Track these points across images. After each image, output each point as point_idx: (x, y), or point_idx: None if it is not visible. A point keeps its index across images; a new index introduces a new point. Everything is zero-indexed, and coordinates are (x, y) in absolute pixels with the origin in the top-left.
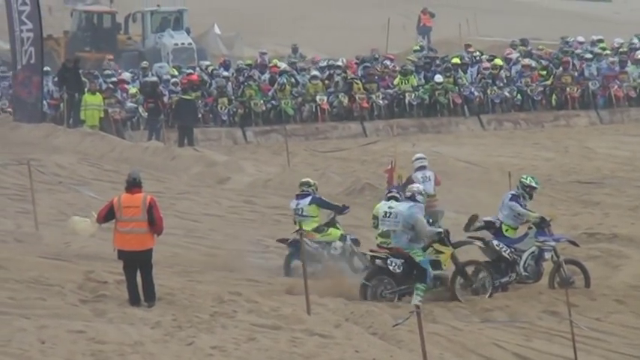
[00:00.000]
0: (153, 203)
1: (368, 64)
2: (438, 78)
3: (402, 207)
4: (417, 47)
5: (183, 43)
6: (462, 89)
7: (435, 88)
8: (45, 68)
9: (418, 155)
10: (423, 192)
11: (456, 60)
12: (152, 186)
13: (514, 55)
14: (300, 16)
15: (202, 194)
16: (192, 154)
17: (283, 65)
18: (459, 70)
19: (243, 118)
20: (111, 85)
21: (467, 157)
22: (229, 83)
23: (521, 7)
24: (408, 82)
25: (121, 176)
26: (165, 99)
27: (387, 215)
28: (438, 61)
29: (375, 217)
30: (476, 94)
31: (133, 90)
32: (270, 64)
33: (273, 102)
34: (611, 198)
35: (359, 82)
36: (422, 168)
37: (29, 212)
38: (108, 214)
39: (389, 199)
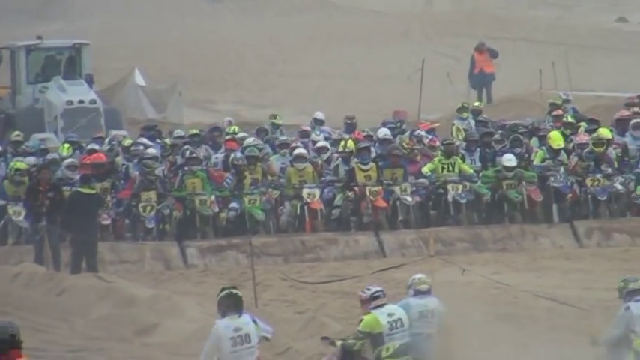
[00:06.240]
0: None
1: (388, 136)
2: (509, 160)
3: None
4: (476, 103)
5: (82, 101)
6: (553, 179)
7: (503, 176)
8: None
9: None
10: None
11: (558, 141)
12: (27, 338)
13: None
14: (278, 58)
15: (112, 353)
16: (95, 284)
17: (242, 134)
18: (561, 152)
19: (182, 225)
20: None
21: (551, 291)
22: (161, 168)
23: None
24: (454, 166)
25: None
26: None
27: None
28: (500, 131)
29: None
30: (567, 185)
31: None
32: (227, 136)
33: (235, 204)
34: None
35: (365, 164)
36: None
37: None
38: None
39: None
